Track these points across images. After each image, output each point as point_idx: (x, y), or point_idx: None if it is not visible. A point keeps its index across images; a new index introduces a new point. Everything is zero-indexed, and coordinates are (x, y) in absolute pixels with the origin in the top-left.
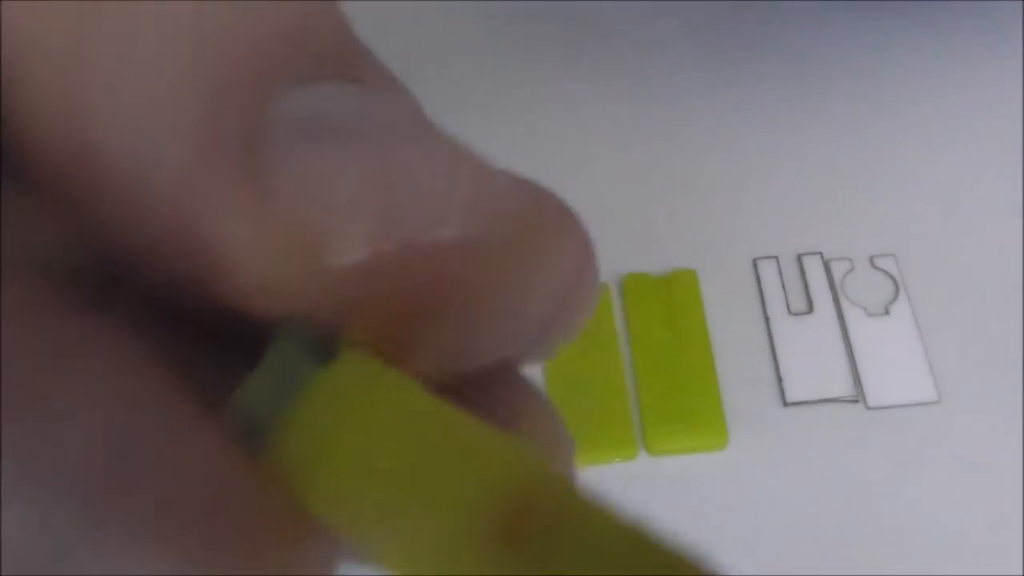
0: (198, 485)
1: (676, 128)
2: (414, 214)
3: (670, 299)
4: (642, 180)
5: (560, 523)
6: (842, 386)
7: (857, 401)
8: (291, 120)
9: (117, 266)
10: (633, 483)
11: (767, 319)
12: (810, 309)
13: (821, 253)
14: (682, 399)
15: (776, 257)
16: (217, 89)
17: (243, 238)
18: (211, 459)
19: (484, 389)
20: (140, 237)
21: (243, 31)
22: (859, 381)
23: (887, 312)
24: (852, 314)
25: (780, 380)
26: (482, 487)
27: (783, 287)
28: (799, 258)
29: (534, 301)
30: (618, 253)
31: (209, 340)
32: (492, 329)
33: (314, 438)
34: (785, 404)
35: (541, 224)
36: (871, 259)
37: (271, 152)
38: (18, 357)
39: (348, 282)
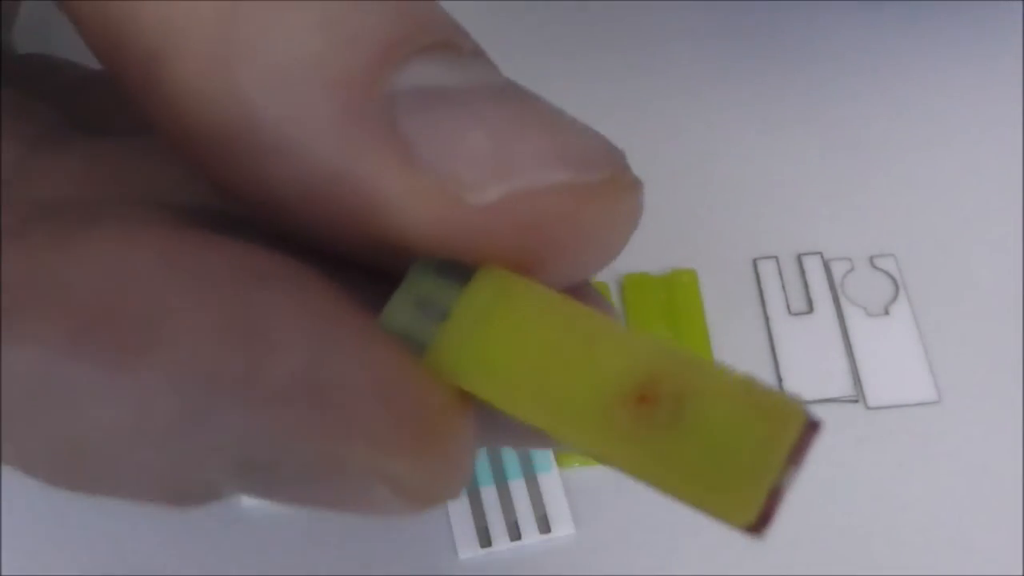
0: (379, 383)
1: (676, 128)
2: (533, 161)
3: (670, 299)
4: (642, 180)
5: (686, 385)
6: (842, 386)
7: (857, 401)
8: (416, 86)
9: (254, 211)
10: (633, 483)
11: (767, 319)
12: (810, 309)
13: (821, 253)
14: None
15: (776, 257)
16: (353, 60)
17: (397, 186)
18: (391, 360)
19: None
20: (295, 186)
21: (369, 13)
22: (859, 381)
23: (887, 312)
24: (852, 314)
25: (780, 380)
26: (618, 362)
27: (783, 287)
28: (799, 258)
29: (614, 234)
30: None
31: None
32: (588, 256)
33: (470, 332)
34: None
35: (620, 169)
36: (871, 259)
37: (407, 114)
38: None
39: (483, 219)
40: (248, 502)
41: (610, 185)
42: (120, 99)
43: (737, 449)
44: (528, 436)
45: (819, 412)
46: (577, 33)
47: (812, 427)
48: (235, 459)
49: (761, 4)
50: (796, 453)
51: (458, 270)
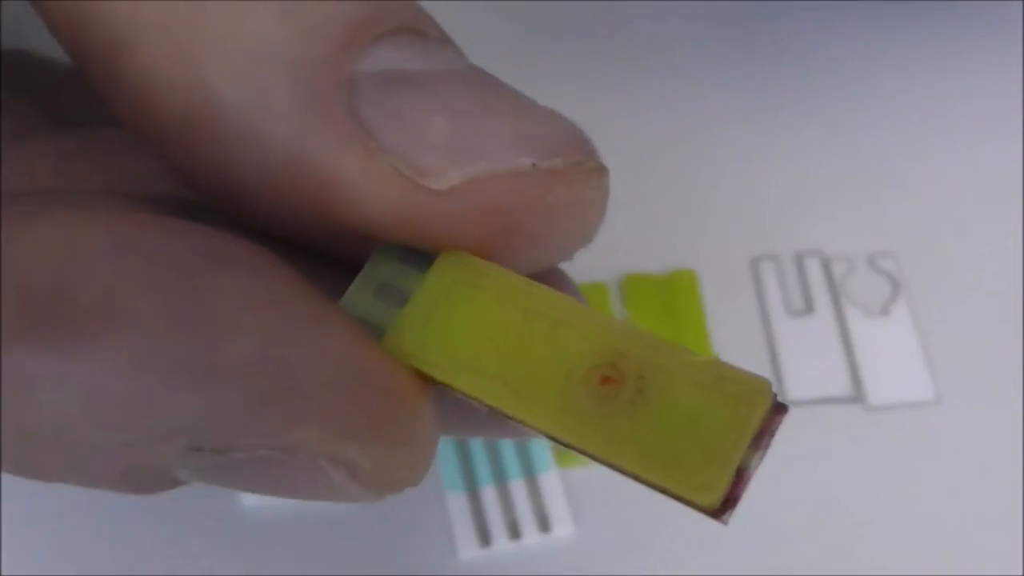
0: (334, 367)
1: (675, 129)
2: (494, 145)
3: (670, 299)
4: (642, 180)
5: (649, 366)
6: (842, 386)
7: (857, 401)
8: (379, 71)
9: (217, 198)
10: (633, 483)
11: (766, 319)
12: (810, 309)
13: (821, 253)
14: None
15: (775, 257)
16: (315, 48)
17: (357, 171)
18: (346, 344)
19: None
20: (256, 172)
21: (330, 1)
22: (859, 381)
23: (887, 312)
24: (852, 314)
25: (780, 380)
26: (580, 343)
27: (783, 287)
28: (798, 258)
29: (580, 220)
30: (618, 253)
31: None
32: (554, 242)
33: (430, 314)
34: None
35: (585, 154)
36: (871, 259)
37: (368, 99)
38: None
39: (444, 203)
40: (248, 502)
41: (575, 170)
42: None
43: (702, 430)
44: (490, 422)
45: (819, 412)
46: (577, 35)
47: (778, 409)
48: (187, 444)
49: (761, 4)
50: (762, 435)
51: (420, 256)
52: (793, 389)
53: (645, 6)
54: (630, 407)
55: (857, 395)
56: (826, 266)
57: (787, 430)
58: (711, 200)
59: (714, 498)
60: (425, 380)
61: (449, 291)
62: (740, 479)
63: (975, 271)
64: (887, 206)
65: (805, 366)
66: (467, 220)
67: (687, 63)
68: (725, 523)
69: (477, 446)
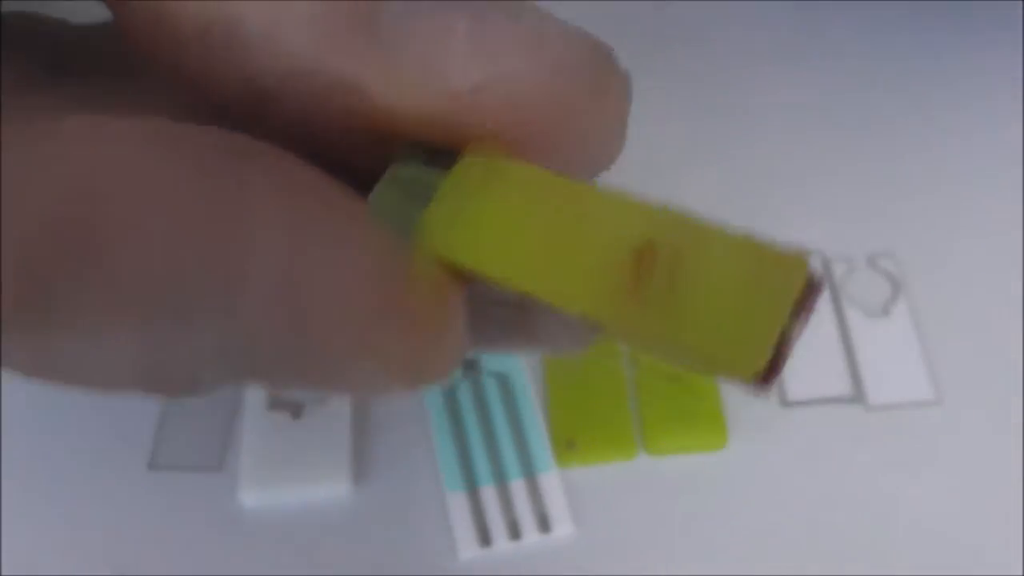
0: (364, 264)
1: (675, 128)
2: (515, 46)
3: None
4: (641, 180)
5: (685, 245)
6: (842, 386)
7: (857, 401)
8: None
9: (235, 107)
10: (633, 483)
11: None
12: None
13: (821, 253)
14: (682, 399)
15: None
16: None
17: (379, 73)
18: (376, 237)
19: None
20: (276, 77)
21: None
22: (859, 381)
23: (887, 312)
24: (852, 314)
25: (780, 380)
26: (614, 227)
27: None
28: None
29: (600, 124)
30: None
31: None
32: (577, 146)
33: (461, 205)
34: (785, 404)
35: (604, 59)
36: (871, 259)
37: (390, 7)
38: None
39: (466, 102)
40: (248, 502)
41: (595, 72)
42: (105, 49)
43: (741, 302)
44: (515, 329)
45: (819, 412)
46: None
47: (817, 282)
48: (217, 351)
49: (760, 4)
50: (801, 308)
51: (443, 157)
52: (793, 389)
53: (646, 6)
54: (668, 285)
55: (857, 395)
56: (826, 266)
57: (787, 430)
58: (710, 200)
59: (757, 368)
60: (455, 272)
61: (477, 184)
62: (781, 350)
63: (975, 271)
64: (887, 206)
65: (805, 366)
66: (490, 116)
67: (687, 65)
68: (767, 394)
69: (477, 446)
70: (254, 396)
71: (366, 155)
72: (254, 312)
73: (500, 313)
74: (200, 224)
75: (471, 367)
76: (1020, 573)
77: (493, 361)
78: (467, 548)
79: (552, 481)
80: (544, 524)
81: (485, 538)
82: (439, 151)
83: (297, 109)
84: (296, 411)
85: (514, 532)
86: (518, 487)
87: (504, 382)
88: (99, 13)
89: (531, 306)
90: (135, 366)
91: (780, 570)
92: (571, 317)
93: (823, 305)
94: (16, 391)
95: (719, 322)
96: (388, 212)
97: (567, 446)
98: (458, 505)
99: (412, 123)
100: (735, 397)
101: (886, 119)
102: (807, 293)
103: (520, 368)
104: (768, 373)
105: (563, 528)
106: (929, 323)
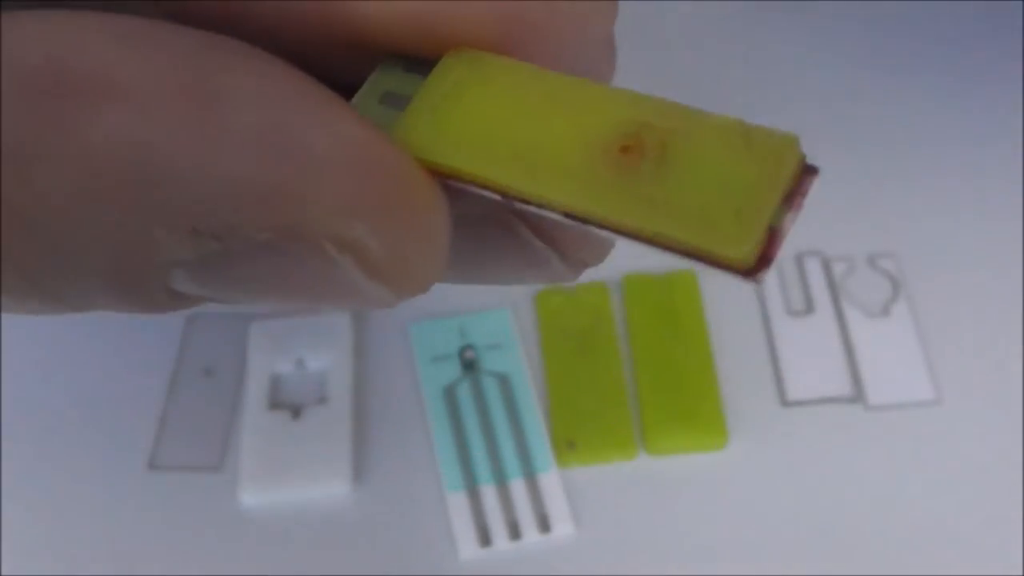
0: (342, 143)
1: None
2: None
3: (670, 299)
4: None
5: (671, 130)
6: (842, 386)
7: (856, 401)
8: None
9: (217, 10)
10: (633, 483)
11: (767, 319)
12: (810, 309)
13: (821, 253)
14: (682, 399)
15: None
16: None
17: None
18: (353, 123)
19: None
20: None
21: None
22: (859, 381)
23: (887, 312)
24: (852, 314)
25: (780, 380)
26: (597, 116)
27: (783, 287)
28: (799, 258)
29: (582, 36)
30: (618, 253)
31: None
32: (564, 38)
33: (441, 103)
34: (785, 404)
35: None
36: (871, 259)
37: None
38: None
39: (441, 5)
40: (248, 502)
41: None
42: None
43: (731, 188)
44: (503, 245)
45: (819, 412)
46: None
47: (809, 171)
48: (186, 226)
49: (760, 4)
50: (793, 194)
51: (425, 64)
52: (793, 389)
53: (648, 6)
54: (655, 172)
55: (857, 395)
56: (826, 266)
57: (787, 430)
58: None
59: (747, 252)
60: (438, 177)
61: (457, 82)
62: (773, 238)
63: (975, 271)
64: (887, 206)
65: (805, 366)
66: (470, 17)
67: (685, 62)
68: (759, 283)
69: (477, 446)
70: (254, 396)
71: (346, 68)
72: (228, 190)
73: (485, 234)
74: (175, 98)
75: (471, 367)
76: (1020, 573)
77: (493, 361)
78: (467, 548)
79: (552, 481)
80: (544, 524)
81: (485, 538)
82: (420, 61)
83: (273, 15)
84: (296, 411)
85: (514, 532)
86: (518, 487)
87: (504, 382)
88: None
89: (516, 215)
90: (107, 259)
91: (780, 570)
92: (556, 216)
93: (823, 305)
94: (17, 391)
95: (708, 208)
96: (374, 106)
97: (567, 446)
98: (458, 505)
99: (389, 27)
100: (735, 397)
101: (886, 120)
102: (800, 177)
103: (520, 368)
104: (759, 262)
105: (563, 528)
106: (929, 323)
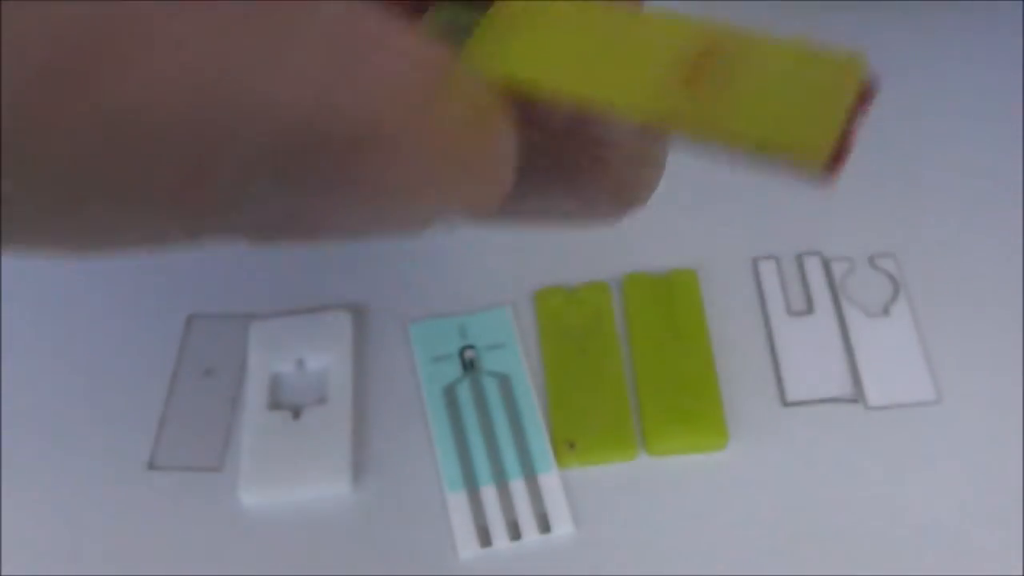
0: (414, 57)
1: None
2: None
3: (670, 299)
4: None
5: (740, 47)
6: (842, 386)
7: (857, 401)
8: None
9: None
10: (633, 483)
11: (767, 319)
12: (810, 309)
13: (821, 253)
14: (682, 399)
15: (776, 257)
16: None
17: None
18: (423, 41)
19: None
20: None
21: None
22: (859, 381)
23: (887, 312)
24: (852, 314)
25: (780, 380)
26: (669, 34)
27: (783, 287)
28: (799, 258)
29: None
30: (618, 253)
31: None
32: None
33: (511, 23)
34: (785, 404)
35: None
36: (871, 259)
37: None
38: None
39: None
40: (248, 501)
41: None
42: None
43: (803, 96)
44: (560, 169)
45: (819, 412)
46: None
47: (874, 79)
48: (259, 161)
49: (759, 4)
50: (862, 100)
51: (482, 3)
52: (793, 389)
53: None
54: (727, 84)
55: (857, 395)
56: (826, 266)
57: (787, 430)
58: (712, 200)
59: (823, 155)
60: (506, 95)
61: (521, 9)
62: (845, 139)
63: (975, 271)
64: (887, 206)
65: (805, 366)
66: None
67: None
68: (834, 182)
69: (477, 446)
70: (254, 396)
71: (406, 5)
72: (299, 99)
73: (538, 163)
74: (238, 25)
75: (471, 367)
76: (1020, 573)
77: (493, 361)
78: (467, 548)
79: (552, 481)
80: (544, 524)
81: (485, 538)
82: None
83: None
84: (296, 411)
85: (514, 532)
86: (518, 487)
87: (504, 382)
88: None
89: (582, 127)
90: (166, 186)
91: (780, 569)
92: (628, 125)
93: (823, 305)
94: (17, 391)
95: (780, 118)
96: (443, 30)
97: (567, 446)
98: (458, 505)
99: None
100: (735, 397)
101: (886, 120)
102: (865, 90)
103: (520, 368)
104: (834, 161)
105: (563, 528)
106: (929, 323)
